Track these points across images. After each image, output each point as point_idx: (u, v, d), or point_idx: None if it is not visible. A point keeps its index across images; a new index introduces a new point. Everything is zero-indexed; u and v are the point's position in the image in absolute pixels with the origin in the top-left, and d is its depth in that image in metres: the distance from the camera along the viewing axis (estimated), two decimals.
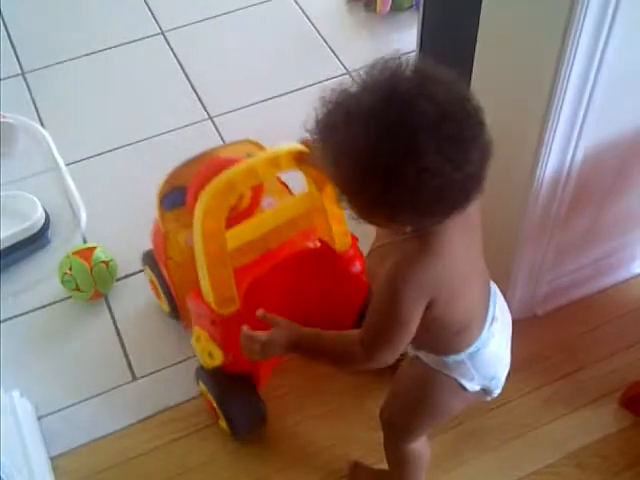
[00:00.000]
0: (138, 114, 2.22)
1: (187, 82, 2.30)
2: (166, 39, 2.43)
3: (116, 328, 1.78)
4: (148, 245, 1.67)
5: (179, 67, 2.34)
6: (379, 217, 0.96)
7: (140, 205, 1.74)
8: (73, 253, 1.77)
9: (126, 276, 1.86)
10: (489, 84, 1.45)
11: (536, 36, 1.27)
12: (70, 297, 1.82)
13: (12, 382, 1.62)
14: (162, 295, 1.73)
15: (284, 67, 2.33)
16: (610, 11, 1.17)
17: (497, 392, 1.24)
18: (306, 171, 1.38)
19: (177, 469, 1.57)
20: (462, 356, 1.15)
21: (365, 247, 1.15)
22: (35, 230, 1.89)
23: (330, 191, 1.38)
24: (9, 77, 2.32)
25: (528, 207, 1.47)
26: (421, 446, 1.37)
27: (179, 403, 1.65)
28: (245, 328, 1.15)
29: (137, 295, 1.83)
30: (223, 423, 1.57)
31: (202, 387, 1.58)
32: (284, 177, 1.60)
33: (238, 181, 1.31)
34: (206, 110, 2.22)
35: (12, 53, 2.39)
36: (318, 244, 1.51)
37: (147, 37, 2.44)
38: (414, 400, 1.26)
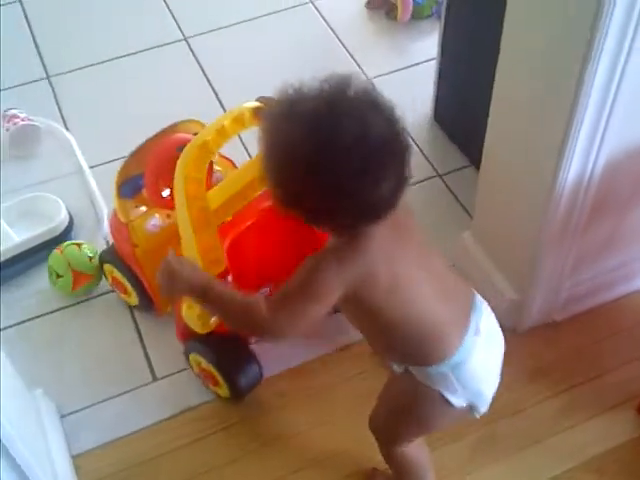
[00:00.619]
0: (161, 118, 2.22)
1: (210, 88, 2.33)
2: (189, 45, 2.45)
3: (137, 328, 1.80)
4: None
5: (202, 73, 2.37)
6: (296, 212, 1.05)
7: None
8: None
9: None
10: (511, 91, 1.46)
11: (560, 43, 1.28)
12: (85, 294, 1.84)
13: (36, 381, 1.64)
14: (130, 288, 1.75)
15: (305, 73, 2.34)
16: (635, 17, 1.18)
17: (483, 410, 1.25)
18: None
19: (198, 469, 1.58)
20: (444, 368, 1.17)
21: None
22: (59, 231, 1.92)
23: None
24: (35, 81, 2.36)
25: (549, 215, 1.47)
26: (414, 449, 1.38)
27: (200, 404, 1.66)
28: (171, 251, 1.20)
29: None
30: (222, 389, 1.61)
31: (195, 359, 1.62)
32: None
33: (211, 141, 1.34)
34: None
35: (38, 57, 2.42)
36: None
37: (170, 43, 2.46)
38: (399, 409, 1.30)
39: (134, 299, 1.78)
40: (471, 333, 1.18)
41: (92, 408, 1.67)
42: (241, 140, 2.03)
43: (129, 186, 1.61)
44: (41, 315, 1.84)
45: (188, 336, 1.60)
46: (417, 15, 2.45)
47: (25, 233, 1.90)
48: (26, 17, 2.56)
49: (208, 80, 2.35)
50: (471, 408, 1.24)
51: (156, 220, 1.63)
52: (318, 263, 1.10)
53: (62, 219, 1.92)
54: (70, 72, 2.38)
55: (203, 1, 2.60)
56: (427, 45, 2.33)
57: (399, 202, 1.05)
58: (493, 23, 1.48)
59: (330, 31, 2.48)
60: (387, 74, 2.33)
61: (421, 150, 2.13)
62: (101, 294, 1.86)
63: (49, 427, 1.56)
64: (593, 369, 1.69)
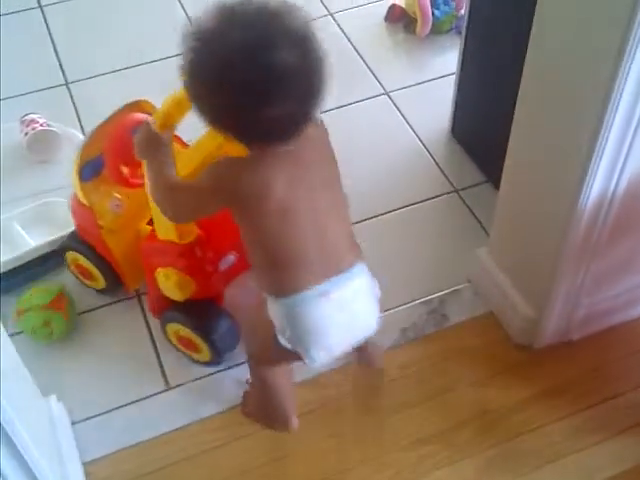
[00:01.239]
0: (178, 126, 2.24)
1: None
2: None
3: (151, 337, 1.80)
4: None
5: None
6: (212, 123, 1.15)
7: None
8: None
9: None
10: (534, 108, 1.46)
11: (587, 62, 1.28)
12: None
13: (49, 387, 1.63)
14: (96, 273, 1.77)
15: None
16: None
17: (313, 365, 1.33)
18: None
19: (209, 479, 1.57)
20: (280, 302, 1.26)
21: None
22: None
23: None
24: (54, 87, 2.37)
25: (569, 234, 1.47)
26: (277, 376, 1.47)
27: (212, 415, 1.66)
28: (150, 119, 1.32)
29: None
30: (202, 354, 1.68)
31: (173, 329, 1.67)
32: None
33: (174, 114, 1.34)
34: None
35: (57, 64, 2.43)
36: None
37: None
38: (250, 328, 1.52)
39: (101, 282, 1.80)
40: (319, 289, 1.24)
41: (105, 415, 1.67)
42: None
43: (88, 169, 1.63)
44: None
45: (163, 308, 1.66)
46: (436, 30, 2.45)
47: (40, 238, 1.89)
48: (46, 23, 2.57)
49: None
50: (300, 356, 1.32)
51: (117, 200, 1.66)
52: (220, 162, 1.23)
53: None
54: (89, 79, 2.39)
55: None
56: (446, 60, 2.33)
57: (300, 129, 1.14)
58: (516, 41, 1.48)
59: (349, 44, 2.48)
60: (405, 88, 2.33)
61: (438, 165, 2.13)
62: (116, 301, 1.86)
63: (61, 433, 1.56)
64: (608, 389, 1.67)
